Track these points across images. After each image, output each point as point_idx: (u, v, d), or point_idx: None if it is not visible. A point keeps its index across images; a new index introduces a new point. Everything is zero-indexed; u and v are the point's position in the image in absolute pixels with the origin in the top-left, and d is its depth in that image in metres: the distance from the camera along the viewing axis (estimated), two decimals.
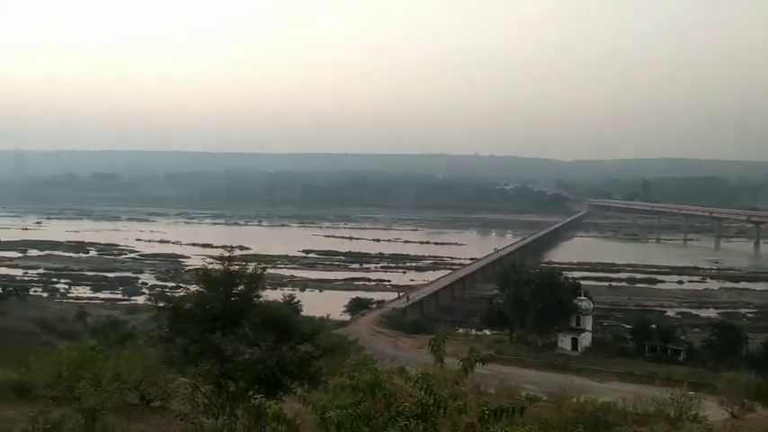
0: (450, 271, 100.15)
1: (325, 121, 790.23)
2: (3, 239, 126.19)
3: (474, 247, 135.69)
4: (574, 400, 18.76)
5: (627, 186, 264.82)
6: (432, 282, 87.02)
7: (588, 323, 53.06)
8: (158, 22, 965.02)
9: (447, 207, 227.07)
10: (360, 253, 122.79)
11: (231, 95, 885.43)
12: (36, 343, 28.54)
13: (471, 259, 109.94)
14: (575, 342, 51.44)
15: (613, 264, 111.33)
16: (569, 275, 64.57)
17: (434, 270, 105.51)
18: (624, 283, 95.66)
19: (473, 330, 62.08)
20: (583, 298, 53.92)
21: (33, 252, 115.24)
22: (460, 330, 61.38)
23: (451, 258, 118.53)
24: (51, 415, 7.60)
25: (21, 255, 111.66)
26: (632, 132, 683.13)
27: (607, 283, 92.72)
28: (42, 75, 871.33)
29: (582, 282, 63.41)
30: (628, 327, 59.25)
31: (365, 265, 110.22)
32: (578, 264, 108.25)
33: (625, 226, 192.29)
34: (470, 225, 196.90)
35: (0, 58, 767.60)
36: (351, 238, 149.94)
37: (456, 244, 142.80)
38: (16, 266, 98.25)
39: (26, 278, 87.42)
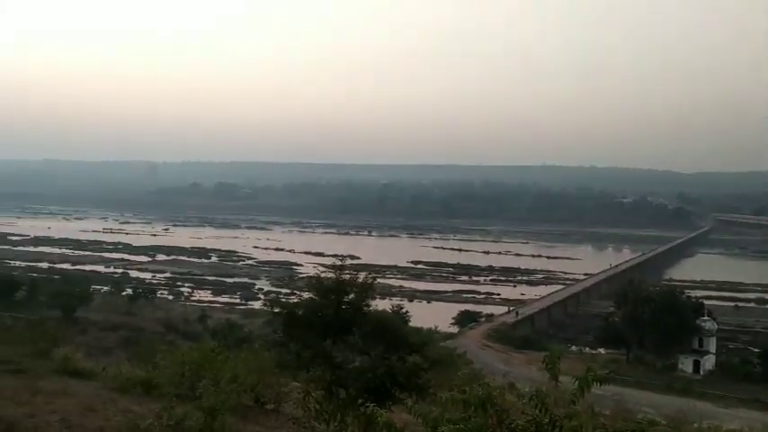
0: (562, 286, 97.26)
1: (437, 132, 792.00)
2: (135, 245, 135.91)
3: (589, 261, 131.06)
4: (695, 425, 17.59)
5: (756, 200, 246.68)
6: (543, 296, 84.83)
7: (712, 345, 49.79)
8: (280, 41, 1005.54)
9: (561, 220, 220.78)
10: (469, 265, 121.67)
11: (346, 109, 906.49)
12: (162, 342, 30.21)
13: (586, 274, 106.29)
14: (697, 364, 48.36)
15: (740, 283, 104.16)
16: (692, 294, 60.96)
17: (546, 285, 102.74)
18: (752, 304, 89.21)
19: (587, 348, 59.89)
20: (706, 318, 50.67)
21: (161, 257, 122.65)
22: (573, 348, 59.42)
23: (564, 273, 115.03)
24: (175, 412, 7.96)
25: (150, 259, 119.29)
26: (763, 142, 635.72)
27: (733, 304, 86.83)
28: (175, 94, 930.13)
29: (705, 301, 59.46)
30: (756, 350, 54.98)
31: (474, 278, 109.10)
32: (701, 282, 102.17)
33: (754, 243, 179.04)
34: (585, 239, 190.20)
35: (140, 81, 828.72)
36: (460, 250, 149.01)
37: (570, 258, 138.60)
38: (146, 270, 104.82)
39: (154, 281, 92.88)
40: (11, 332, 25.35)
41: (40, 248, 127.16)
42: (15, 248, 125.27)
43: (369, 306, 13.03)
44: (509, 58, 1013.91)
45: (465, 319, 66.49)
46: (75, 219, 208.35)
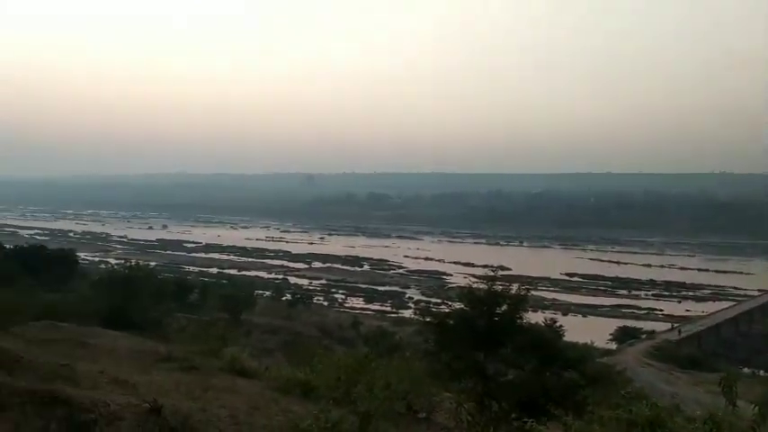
0: (733, 302, 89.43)
1: (591, 138, 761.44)
2: (294, 252, 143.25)
3: (763, 277, 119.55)
4: None
5: None
6: (711, 313, 78.48)
7: None
8: (426, 51, 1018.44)
9: (731, 231, 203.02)
10: (628, 278, 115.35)
11: (491, 118, 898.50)
12: (318, 346, 31.36)
13: (760, 291, 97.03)
14: None
15: None
16: None
17: (714, 301, 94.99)
18: None
19: (761, 371, 54.61)
20: None
21: (317, 264, 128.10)
22: (746, 370, 54.38)
23: (735, 289, 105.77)
24: (331, 415, 8.20)
25: (307, 266, 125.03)
26: None
27: None
28: (332, 111, 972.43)
29: None
30: None
31: (634, 292, 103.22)
32: None
33: None
34: (759, 252, 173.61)
35: (302, 101, 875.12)
36: (618, 263, 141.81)
37: (741, 273, 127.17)
38: (303, 276, 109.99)
39: (311, 288, 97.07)
40: (185, 332, 27.61)
41: (211, 255, 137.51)
42: (189, 255, 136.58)
43: (522, 319, 12.72)
44: (680, 61, 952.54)
45: (624, 336, 63.05)
46: (242, 227, 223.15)
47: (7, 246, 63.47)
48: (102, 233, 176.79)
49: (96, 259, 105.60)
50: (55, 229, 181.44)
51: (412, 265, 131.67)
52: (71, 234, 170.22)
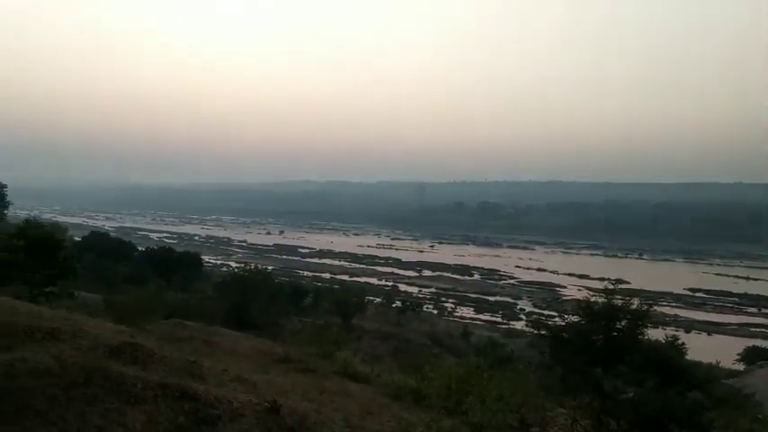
0: None
1: (715, 147, 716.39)
2: (404, 260, 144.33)
3: None
4: None
5: None
6: None
7: None
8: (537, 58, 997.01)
9: None
10: (758, 295, 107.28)
11: (607, 125, 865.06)
12: (428, 354, 31.38)
13: None
14: None
15: None
16: None
17: None
18: None
19: None
20: None
21: (427, 272, 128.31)
22: None
23: None
24: (443, 423, 8.22)
25: (417, 274, 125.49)
26: None
27: None
28: (441, 120, 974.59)
29: None
30: None
31: (764, 310, 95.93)
32: None
33: None
34: None
35: (412, 112, 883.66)
36: (747, 278, 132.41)
37: None
38: (413, 284, 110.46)
39: (420, 295, 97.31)
40: (300, 334, 28.50)
41: (324, 260, 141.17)
42: (304, 260, 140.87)
43: (642, 335, 12.18)
44: None
45: (753, 356, 58.55)
46: (353, 234, 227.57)
47: (140, 248, 68.34)
48: (224, 237, 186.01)
49: (218, 262, 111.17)
50: (181, 233, 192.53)
51: (524, 275, 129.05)
52: (196, 238, 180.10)
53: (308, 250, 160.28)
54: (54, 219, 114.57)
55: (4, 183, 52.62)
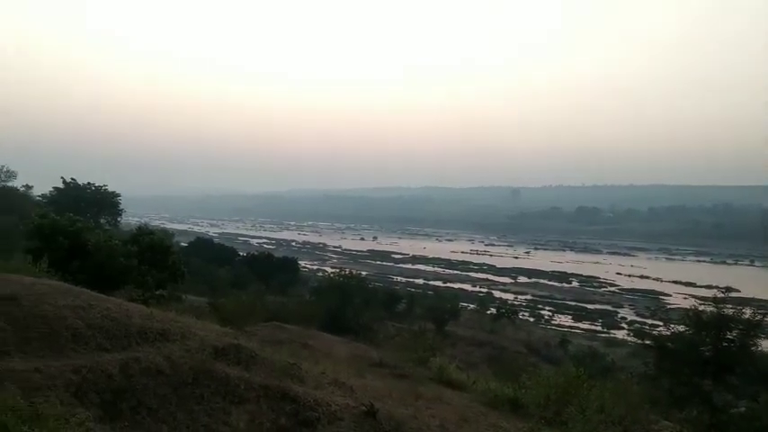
0: None
1: None
2: (498, 266, 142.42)
3: None
4: None
5: None
6: None
7: None
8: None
9: None
10: None
11: (716, 126, 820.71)
12: (524, 363, 30.85)
13: None
14: None
15: None
16: None
17: None
18: None
19: None
20: None
21: (522, 279, 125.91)
22: None
23: None
24: None
25: (512, 281, 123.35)
26: None
27: None
28: (534, 122, 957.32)
29: None
30: None
31: None
32: None
33: None
34: None
35: (501, 115, 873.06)
36: None
37: None
38: (508, 291, 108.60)
39: (515, 302, 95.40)
40: (394, 339, 28.71)
41: (417, 266, 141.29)
42: (397, 265, 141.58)
43: (755, 346, 11.48)
44: None
45: None
46: (447, 240, 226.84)
47: (241, 253, 71.00)
48: (319, 243, 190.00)
49: (314, 267, 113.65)
50: (280, 239, 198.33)
51: (625, 282, 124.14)
52: (293, 243, 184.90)
53: (401, 256, 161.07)
54: (162, 225, 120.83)
55: (117, 192, 55.99)
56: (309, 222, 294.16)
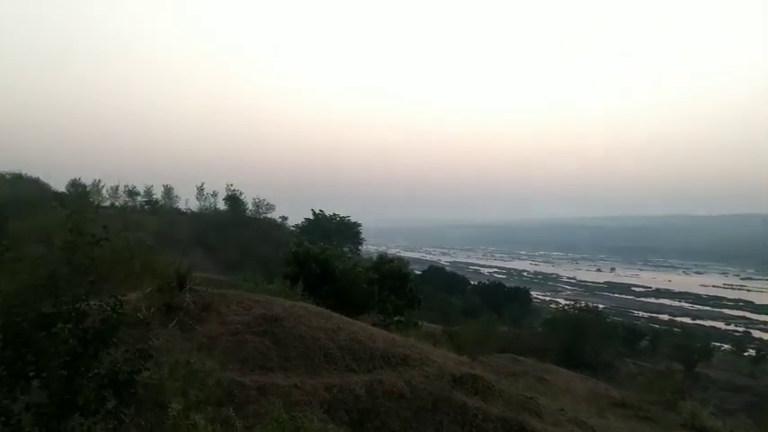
0: None
1: None
2: (756, 302, 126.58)
3: None
4: None
5: None
6: None
7: None
8: None
9: None
10: None
11: None
12: None
13: None
14: None
15: None
16: None
17: None
18: None
19: None
20: None
21: None
22: None
23: None
24: None
25: None
26: None
27: None
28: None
29: None
30: None
31: None
32: None
33: None
34: None
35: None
36: None
37: None
38: None
39: None
40: (636, 379, 26.82)
41: (661, 300, 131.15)
42: (638, 299, 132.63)
43: None
44: None
45: None
46: (694, 273, 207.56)
47: (472, 282, 71.81)
48: (552, 273, 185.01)
49: (547, 298, 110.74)
50: (510, 269, 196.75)
51: None
52: (524, 273, 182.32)
53: (642, 289, 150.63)
54: (398, 254, 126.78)
55: (358, 222, 60.17)
56: (541, 252, 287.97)
